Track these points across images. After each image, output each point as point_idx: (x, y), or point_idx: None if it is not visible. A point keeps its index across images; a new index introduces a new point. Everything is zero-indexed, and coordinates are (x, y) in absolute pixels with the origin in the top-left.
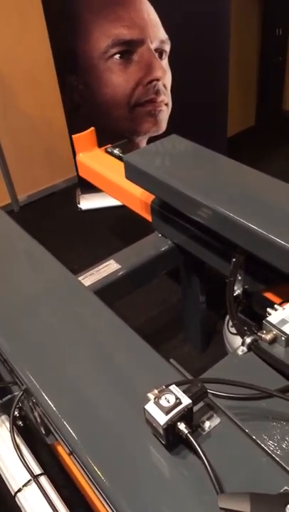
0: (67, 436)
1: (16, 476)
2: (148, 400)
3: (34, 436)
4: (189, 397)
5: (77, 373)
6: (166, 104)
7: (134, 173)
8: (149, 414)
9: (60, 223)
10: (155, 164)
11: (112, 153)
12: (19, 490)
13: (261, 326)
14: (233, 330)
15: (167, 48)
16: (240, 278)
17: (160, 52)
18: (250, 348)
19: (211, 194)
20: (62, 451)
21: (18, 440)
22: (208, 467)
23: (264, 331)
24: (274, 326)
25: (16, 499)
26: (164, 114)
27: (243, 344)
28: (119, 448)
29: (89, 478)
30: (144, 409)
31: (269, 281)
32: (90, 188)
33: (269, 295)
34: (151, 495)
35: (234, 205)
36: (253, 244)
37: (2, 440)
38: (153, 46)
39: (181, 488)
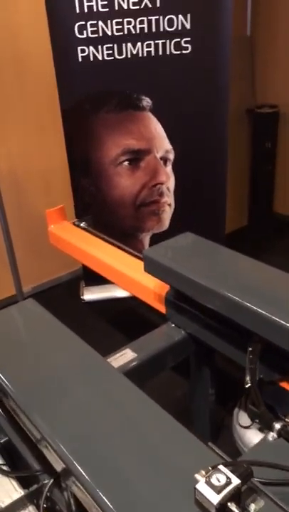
0: None
1: None
2: (196, 481)
3: None
4: (237, 477)
5: (118, 454)
6: (169, 205)
7: (152, 267)
8: (201, 493)
9: (63, 314)
10: (173, 258)
11: (78, 226)
12: None
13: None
14: (244, 423)
15: (171, 156)
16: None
17: (165, 160)
18: (280, 434)
19: (228, 285)
20: None
21: None
22: None
23: None
24: None
25: None
26: (167, 213)
27: (272, 430)
28: None
29: None
30: (195, 489)
31: (285, 371)
32: (93, 281)
33: (285, 385)
34: None
35: (251, 295)
36: (269, 333)
37: None
38: (159, 155)
39: None
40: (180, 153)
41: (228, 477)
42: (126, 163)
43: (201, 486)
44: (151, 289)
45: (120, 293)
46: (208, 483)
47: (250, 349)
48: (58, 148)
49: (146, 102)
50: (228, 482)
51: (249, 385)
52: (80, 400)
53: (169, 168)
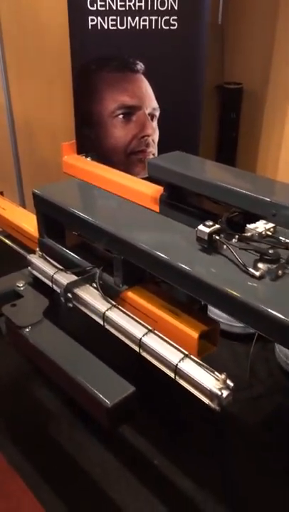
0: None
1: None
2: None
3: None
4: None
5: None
6: (154, 154)
7: (155, 170)
8: (200, 230)
9: None
10: (171, 162)
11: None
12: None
13: None
14: None
15: (157, 113)
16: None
17: (152, 116)
18: (241, 239)
19: (213, 176)
20: (133, 296)
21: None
22: (232, 251)
23: (246, 233)
24: (251, 229)
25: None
26: None
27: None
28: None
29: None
30: (197, 229)
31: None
32: None
33: None
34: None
35: (227, 180)
36: (238, 201)
37: (89, 295)
38: (147, 111)
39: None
40: (164, 111)
41: (216, 225)
42: (120, 116)
43: (201, 227)
44: (149, 194)
45: None
46: (204, 225)
47: (220, 220)
48: (63, 103)
49: (140, 65)
50: (214, 224)
51: None
52: (126, 217)
53: (154, 123)
